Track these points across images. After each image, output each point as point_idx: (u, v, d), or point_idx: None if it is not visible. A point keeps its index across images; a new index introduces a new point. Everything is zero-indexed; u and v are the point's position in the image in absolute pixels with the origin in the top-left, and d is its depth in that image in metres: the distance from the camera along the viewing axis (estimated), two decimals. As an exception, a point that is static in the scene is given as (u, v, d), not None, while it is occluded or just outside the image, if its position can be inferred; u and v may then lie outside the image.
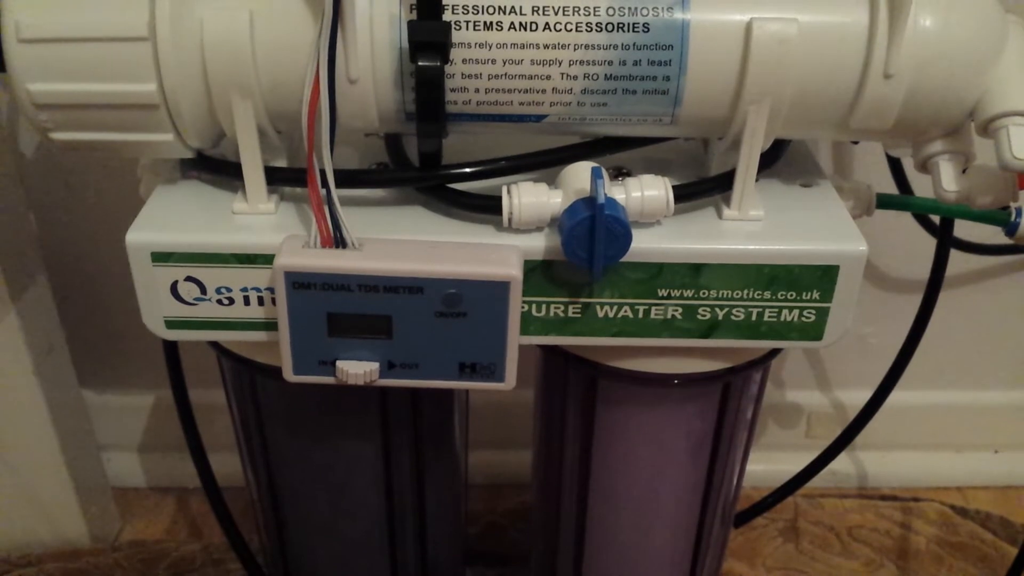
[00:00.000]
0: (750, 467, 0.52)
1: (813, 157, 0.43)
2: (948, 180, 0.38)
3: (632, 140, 0.39)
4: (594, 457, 0.47)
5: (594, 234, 0.34)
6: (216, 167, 0.38)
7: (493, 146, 0.39)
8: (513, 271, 0.34)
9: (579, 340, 0.39)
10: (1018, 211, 0.43)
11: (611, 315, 0.38)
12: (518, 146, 0.38)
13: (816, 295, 0.38)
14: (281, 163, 0.38)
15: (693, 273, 0.37)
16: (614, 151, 0.39)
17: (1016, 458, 0.80)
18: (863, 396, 0.66)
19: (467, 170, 0.37)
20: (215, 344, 0.41)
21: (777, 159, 0.40)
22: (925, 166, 0.39)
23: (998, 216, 0.45)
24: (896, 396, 0.64)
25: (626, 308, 0.38)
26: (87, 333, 0.71)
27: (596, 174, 0.34)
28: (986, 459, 0.81)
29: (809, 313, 0.38)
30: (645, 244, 0.36)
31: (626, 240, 0.34)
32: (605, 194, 0.33)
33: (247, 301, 0.36)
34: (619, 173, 0.40)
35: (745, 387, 0.45)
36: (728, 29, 0.34)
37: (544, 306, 0.37)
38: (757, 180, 0.40)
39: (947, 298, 0.62)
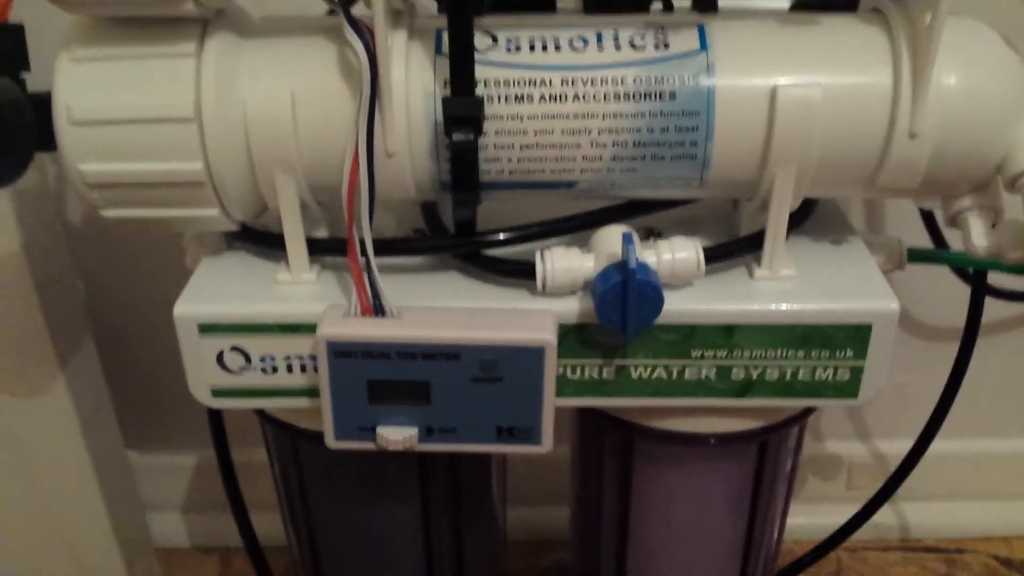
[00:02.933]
0: (791, 520, 0.52)
1: (843, 213, 0.44)
2: (978, 235, 0.38)
3: (662, 202, 0.40)
4: (632, 515, 0.47)
5: (627, 298, 0.34)
6: (260, 239, 0.39)
7: (523, 209, 0.40)
8: (548, 336, 0.34)
9: (614, 401, 0.39)
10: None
11: (645, 376, 0.38)
12: (548, 209, 0.39)
13: (850, 353, 0.38)
14: (322, 233, 0.39)
15: (726, 334, 0.37)
16: (645, 214, 0.40)
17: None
18: (904, 446, 0.65)
19: (501, 236, 0.37)
20: (259, 410, 0.42)
21: (807, 218, 0.41)
22: (955, 221, 0.39)
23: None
24: (937, 445, 0.63)
25: (660, 369, 0.38)
26: (132, 394, 0.73)
27: (627, 239, 0.34)
28: (1032, 508, 0.79)
29: (843, 371, 0.38)
30: (677, 306, 0.37)
31: (658, 303, 0.35)
32: (637, 258, 0.34)
33: (290, 369, 0.37)
34: (650, 233, 0.41)
35: (783, 444, 0.45)
36: (753, 95, 0.35)
37: (579, 368, 0.38)
38: (787, 238, 0.41)
39: (984, 345, 0.61)
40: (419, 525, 0.46)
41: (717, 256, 0.38)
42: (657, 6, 0.44)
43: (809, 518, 0.74)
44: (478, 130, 0.34)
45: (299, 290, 0.38)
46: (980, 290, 0.53)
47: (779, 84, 0.35)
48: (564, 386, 0.38)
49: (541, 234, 0.38)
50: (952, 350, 0.58)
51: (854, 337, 0.37)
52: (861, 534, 0.70)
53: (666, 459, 0.45)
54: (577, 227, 0.39)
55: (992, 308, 0.61)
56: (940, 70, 0.35)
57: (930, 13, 0.34)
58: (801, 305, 0.37)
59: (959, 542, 0.78)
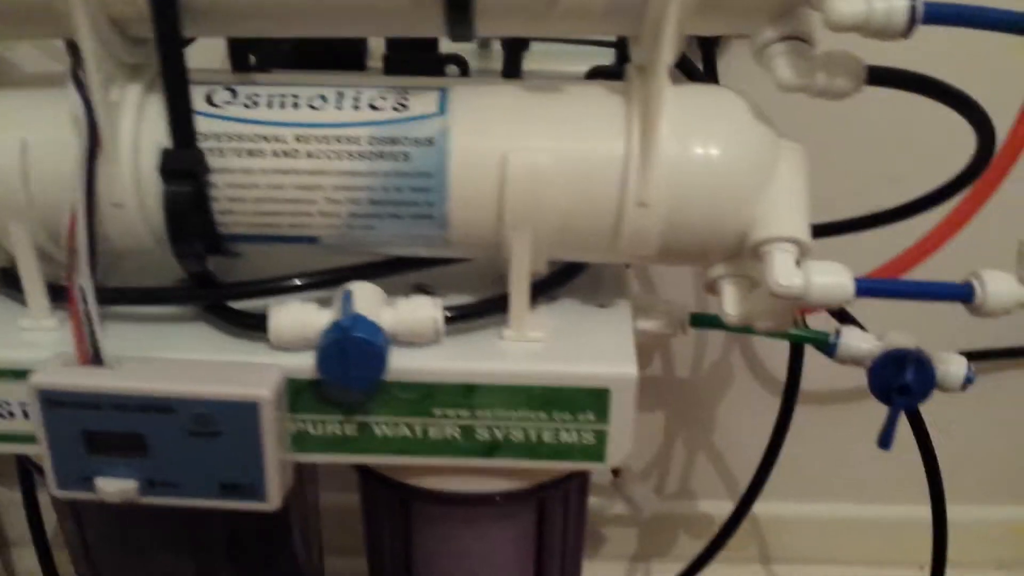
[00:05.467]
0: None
1: (623, 276, 0.44)
2: (729, 303, 0.38)
3: (431, 259, 0.40)
4: (417, 572, 0.46)
5: (346, 356, 0.34)
6: (11, 283, 0.39)
7: (309, 261, 0.39)
8: (262, 391, 0.34)
9: (360, 458, 0.39)
10: (837, 333, 0.43)
11: (389, 434, 0.38)
12: (332, 261, 0.39)
13: (592, 417, 0.38)
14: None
15: (466, 394, 0.37)
16: (407, 270, 0.40)
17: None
18: (775, 505, 0.65)
19: (234, 290, 0.38)
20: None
21: (572, 278, 0.41)
22: (712, 288, 0.39)
23: (818, 337, 0.45)
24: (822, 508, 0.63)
25: (403, 427, 0.38)
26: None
27: (346, 297, 0.34)
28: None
29: (588, 434, 0.38)
30: (415, 364, 0.37)
31: (379, 361, 0.35)
32: (354, 315, 0.34)
33: (26, 415, 0.37)
34: (419, 290, 0.41)
35: (565, 501, 0.45)
36: (486, 159, 0.35)
37: (320, 424, 0.38)
38: (555, 299, 0.41)
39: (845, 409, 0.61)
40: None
41: (460, 316, 0.38)
42: (454, 69, 0.45)
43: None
44: (198, 183, 0.34)
45: (39, 336, 0.38)
46: (796, 356, 0.53)
47: (509, 149, 0.35)
48: (307, 442, 0.38)
49: (282, 289, 0.38)
50: (822, 413, 0.58)
51: (595, 401, 0.37)
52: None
53: (443, 519, 0.44)
54: (330, 282, 0.39)
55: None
56: (672, 141, 0.35)
57: (655, 79, 0.34)
58: (538, 367, 0.37)
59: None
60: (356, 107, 0.36)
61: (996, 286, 0.35)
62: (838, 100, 0.35)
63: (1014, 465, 0.75)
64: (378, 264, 0.40)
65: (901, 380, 0.40)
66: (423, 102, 0.36)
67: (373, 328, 0.35)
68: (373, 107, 0.36)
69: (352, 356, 0.34)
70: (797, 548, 0.76)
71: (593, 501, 0.75)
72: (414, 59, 0.42)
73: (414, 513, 0.44)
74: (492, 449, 0.38)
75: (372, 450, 0.38)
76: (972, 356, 0.40)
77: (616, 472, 0.64)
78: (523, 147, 0.35)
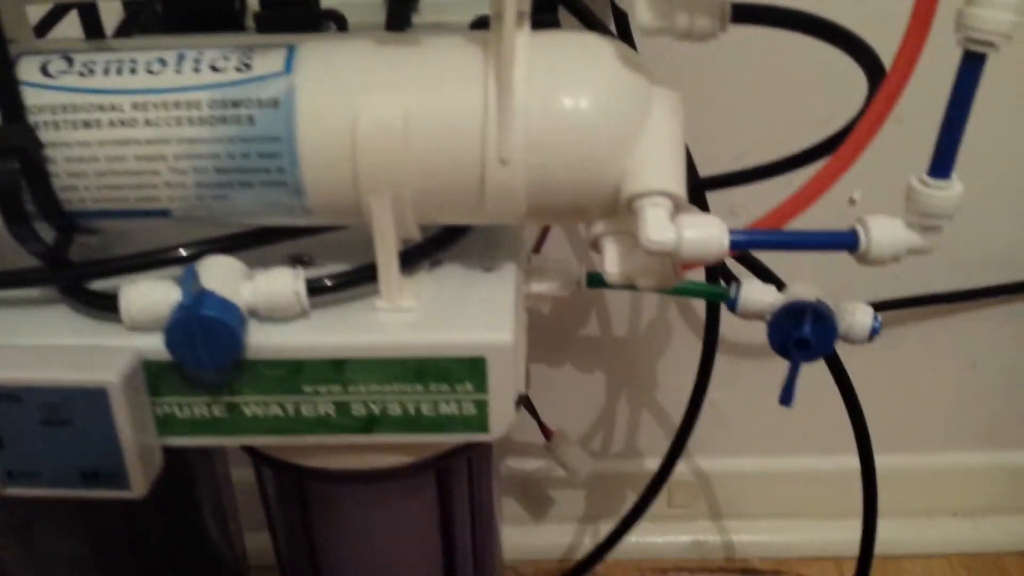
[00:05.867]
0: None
1: (519, 237, 0.42)
2: (610, 261, 0.36)
3: (309, 227, 0.38)
4: (321, 555, 0.45)
5: (193, 335, 0.32)
6: None
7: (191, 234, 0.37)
8: (109, 377, 0.33)
9: (232, 440, 0.37)
10: (737, 287, 0.41)
11: (260, 414, 0.36)
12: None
13: (470, 387, 0.36)
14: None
15: (336, 369, 0.35)
16: (280, 240, 0.38)
17: (896, 525, 0.76)
18: (723, 463, 0.64)
19: (88, 269, 0.36)
20: None
21: (453, 242, 0.39)
22: (596, 246, 0.37)
23: (718, 292, 0.43)
24: (768, 462, 0.62)
25: (274, 406, 0.36)
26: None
27: (188, 274, 0.32)
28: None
29: (468, 405, 0.36)
30: (278, 340, 0.35)
31: (231, 340, 0.33)
32: (199, 292, 0.32)
33: None
34: (296, 261, 0.39)
35: (468, 471, 0.43)
36: (336, 120, 0.33)
37: (186, 407, 0.36)
38: (440, 264, 0.39)
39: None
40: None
41: (328, 288, 0.36)
42: (331, 25, 0.43)
43: (637, 536, 0.72)
44: (30, 159, 0.32)
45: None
46: (713, 312, 0.51)
47: (360, 108, 0.33)
48: (174, 425, 0.36)
49: (139, 266, 0.36)
50: (763, 366, 0.56)
51: (471, 371, 0.35)
52: (686, 552, 0.69)
53: (341, 498, 0.43)
54: (194, 256, 0.37)
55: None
56: (532, 94, 0.33)
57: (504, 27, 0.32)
58: (408, 338, 0.35)
59: (786, 562, 0.76)
60: (196, 70, 0.34)
61: (880, 232, 0.33)
62: (704, 42, 0.33)
63: (974, 411, 0.73)
64: (246, 235, 0.38)
65: (799, 334, 0.38)
66: (268, 61, 0.34)
67: (222, 305, 0.33)
68: (214, 69, 0.34)
69: (199, 335, 0.32)
70: (742, 503, 0.75)
71: (538, 464, 0.73)
72: (288, 16, 0.40)
73: (309, 493, 0.43)
74: (370, 424, 0.37)
75: (244, 431, 0.37)
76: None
77: (548, 435, 0.62)
78: (375, 104, 0.33)
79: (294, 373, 0.35)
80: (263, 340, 0.35)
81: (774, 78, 0.57)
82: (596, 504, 0.75)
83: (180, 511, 0.47)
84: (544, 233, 0.54)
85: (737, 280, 0.42)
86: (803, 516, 0.76)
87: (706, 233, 0.32)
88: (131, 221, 0.36)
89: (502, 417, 0.37)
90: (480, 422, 0.37)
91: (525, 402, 0.62)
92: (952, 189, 0.32)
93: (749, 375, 0.70)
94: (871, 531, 0.58)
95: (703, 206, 0.53)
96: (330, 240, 0.39)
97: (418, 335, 0.35)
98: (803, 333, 0.38)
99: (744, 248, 0.33)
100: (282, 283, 0.35)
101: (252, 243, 0.37)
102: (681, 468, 0.76)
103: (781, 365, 0.59)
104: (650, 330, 0.67)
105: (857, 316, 0.40)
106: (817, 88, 0.57)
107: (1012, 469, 0.74)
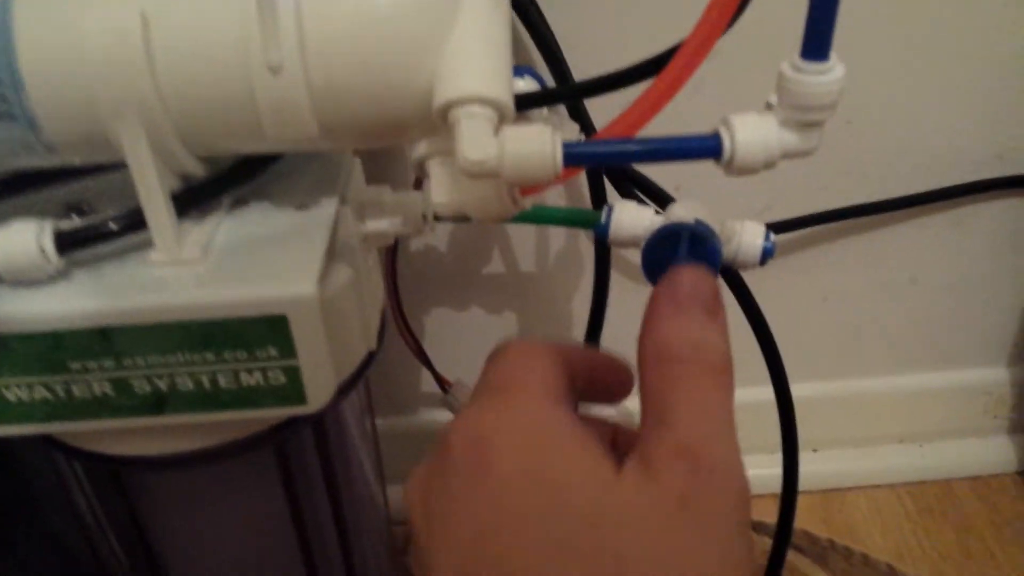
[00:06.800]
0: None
1: (346, 166, 0.35)
2: (437, 188, 0.30)
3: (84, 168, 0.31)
4: (160, 555, 0.39)
5: None
6: None
7: None
8: None
9: (-4, 431, 0.31)
10: (608, 210, 0.35)
11: (24, 398, 0.30)
12: None
13: (275, 352, 0.30)
14: None
15: (102, 339, 0.29)
16: (51, 185, 0.31)
17: (840, 455, 0.71)
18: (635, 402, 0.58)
19: None
20: None
21: (253, 176, 0.32)
22: (422, 171, 0.31)
23: (589, 217, 0.37)
24: None
25: (40, 389, 0.30)
26: None
27: None
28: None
29: (276, 373, 0.30)
30: (28, 308, 0.28)
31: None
32: None
33: None
34: (70, 210, 0.32)
35: (316, 436, 0.37)
36: (62, 34, 0.26)
37: (-71, 395, 0.30)
38: (247, 203, 0.33)
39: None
40: None
41: (88, 239, 0.29)
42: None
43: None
44: None
45: None
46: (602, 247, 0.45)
47: (90, 15, 0.26)
48: (-82, 419, 0.30)
49: None
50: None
51: (272, 332, 0.29)
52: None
53: (159, 486, 0.37)
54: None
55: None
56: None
57: None
58: (183, 297, 0.29)
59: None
60: None
61: (748, 134, 0.26)
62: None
63: (917, 330, 0.68)
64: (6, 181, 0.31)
65: (673, 260, 0.32)
66: (-25, -38, 0.26)
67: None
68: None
69: None
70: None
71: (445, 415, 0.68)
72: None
73: (129, 485, 0.36)
74: (159, 404, 0.30)
75: (9, 419, 0.30)
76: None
77: (445, 387, 0.56)
78: (107, 9, 0.26)
79: (54, 348, 0.29)
80: (9, 310, 0.28)
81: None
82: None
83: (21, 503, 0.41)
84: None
85: (608, 204, 0.35)
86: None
87: (532, 147, 0.26)
88: None
89: (322, 385, 0.31)
90: (295, 392, 0.31)
91: (419, 355, 0.55)
92: (832, 73, 0.26)
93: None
94: (793, 466, 0.52)
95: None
96: (117, 182, 0.32)
97: (198, 292, 0.29)
98: (678, 259, 0.32)
99: (582, 163, 0.27)
100: (21, 238, 0.28)
101: (22, 188, 0.30)
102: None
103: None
104: (560, 264, 0.61)
105: (745, 237, 0.33)
106: None
107: (961, 389, 0.69)
